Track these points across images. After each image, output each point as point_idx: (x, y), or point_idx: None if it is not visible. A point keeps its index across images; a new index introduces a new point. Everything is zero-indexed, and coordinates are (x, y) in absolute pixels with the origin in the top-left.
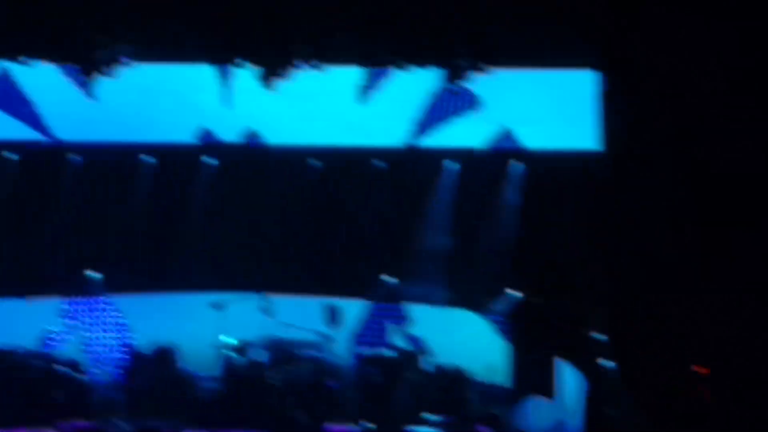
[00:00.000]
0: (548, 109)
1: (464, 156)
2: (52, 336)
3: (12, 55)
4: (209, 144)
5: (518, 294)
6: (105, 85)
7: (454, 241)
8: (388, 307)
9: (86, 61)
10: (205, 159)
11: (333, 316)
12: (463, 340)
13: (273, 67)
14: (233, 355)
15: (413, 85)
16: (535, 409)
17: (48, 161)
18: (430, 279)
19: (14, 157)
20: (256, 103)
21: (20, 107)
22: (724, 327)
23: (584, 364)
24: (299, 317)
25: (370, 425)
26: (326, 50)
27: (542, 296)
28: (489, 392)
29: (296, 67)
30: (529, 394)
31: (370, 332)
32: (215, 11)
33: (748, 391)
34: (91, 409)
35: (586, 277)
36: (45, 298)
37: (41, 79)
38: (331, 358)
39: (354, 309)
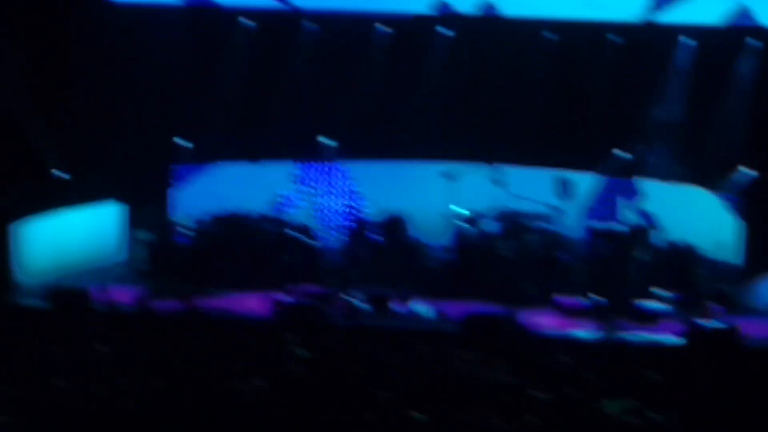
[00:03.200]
0: None
1: (700, 33)
2: (283, 200)
3: None
4: (445, 15)
5: (752, 172)
6: None
7: (689, 116)
8: (620, 181)
9: None
10: (440, 29)
11: (565, 188)
12: (695, 216)
13: None
14: (464, 225)
15: None
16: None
17: (284, 28)
18: (664, 154)
19: (251, 24)
20: None
21: None
22: None
23: None
24: (531, 189)
25: (600, 299)
26: None
27: None
28: (720, 270)
29: None
30: (760, 271)
31: (602, 206)
32: None
33: None
34: (320, 274)
35: None
36: (278, 163)
37: None
38: (562, 230)
39: (586, 182)
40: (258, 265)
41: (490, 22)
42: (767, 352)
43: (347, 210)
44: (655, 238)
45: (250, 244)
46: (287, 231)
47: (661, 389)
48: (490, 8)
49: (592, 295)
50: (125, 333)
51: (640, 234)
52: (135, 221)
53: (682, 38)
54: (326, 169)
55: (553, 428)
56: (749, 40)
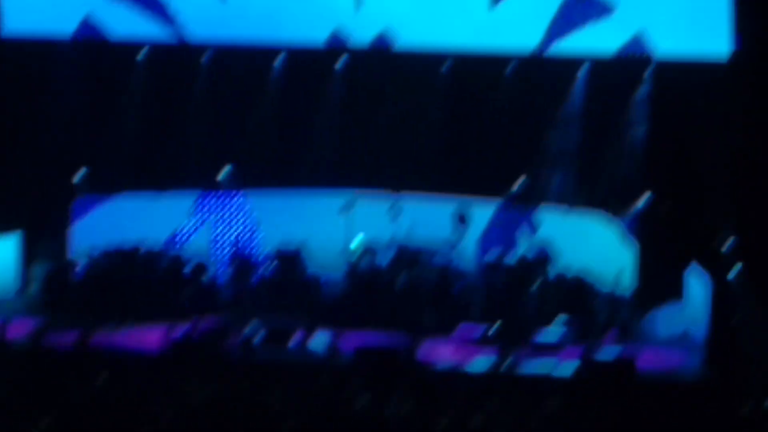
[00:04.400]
0: (680, 12)
1: (594, 62)
2: (182, 233)
3: None
4: (339, 47)
5: (647, 199)
6: None
7: (585, 145)
8: (516, 211)
9: None
10: (335, 62)
11: (461, 220)
12: (591, 244)
13: None
14: (359, 257)
15: None
16: (663, 316)
17: (178, 61)
18: (560, 183)
19: (143, 56)
20: (386, 5)
21: (152, 4)
22: None
23: (712, 270)
24: (427, 220)
25: (496, 329)
26: None
27: (671, 201)
28: (616, 298)
29: None
30: (656, 300)
31: (498, 237)
32: None
33: None
34: (219, 307)
35: (716, 182)
36: (176, 194)
37: None
38: (458, 261)
39: (482, 212)
40: (156, 298)
41: (385, 54)
42: (663, 382)
43: (245, 242)
44: (551, 266)
45: (148, 278)
46: (185, 264)
47: (558, 420)
48: (384, 40)
49: (488, 326)
50: (20, 368)
51: (536, 263)
52: (32, 253)
53: (577, 67)
54: (224, 200)
55: None
56: (643, 68)
